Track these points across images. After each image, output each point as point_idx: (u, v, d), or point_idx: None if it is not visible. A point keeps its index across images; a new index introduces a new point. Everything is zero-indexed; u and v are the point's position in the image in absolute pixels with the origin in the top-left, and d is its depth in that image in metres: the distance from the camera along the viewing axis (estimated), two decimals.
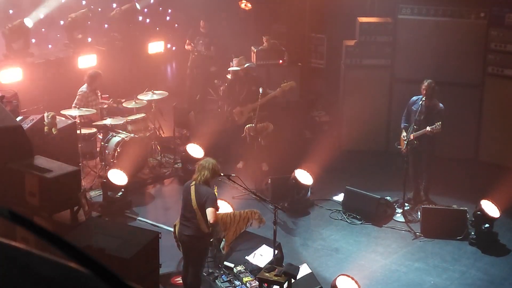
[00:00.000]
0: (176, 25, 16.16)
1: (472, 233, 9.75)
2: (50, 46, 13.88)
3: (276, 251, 8.31)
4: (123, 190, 10.41)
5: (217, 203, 7.68)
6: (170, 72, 16.26)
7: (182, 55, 14.99)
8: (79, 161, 10.92)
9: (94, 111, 11.39)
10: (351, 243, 9.79)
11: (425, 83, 10.25)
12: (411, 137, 10.22)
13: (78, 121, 10.97)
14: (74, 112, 11.09)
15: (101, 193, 10.56)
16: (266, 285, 7.82)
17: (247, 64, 12.33)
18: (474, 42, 12.14)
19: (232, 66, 12.65)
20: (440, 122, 10.00)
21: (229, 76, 14.02)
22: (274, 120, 12.00)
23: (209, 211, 7.49)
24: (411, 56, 12.38)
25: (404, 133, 10.37)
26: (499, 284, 8.91)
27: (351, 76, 12.88)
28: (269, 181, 10.88)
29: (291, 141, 12.67)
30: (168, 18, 16.29)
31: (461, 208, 10.06)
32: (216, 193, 7.93)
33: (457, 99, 11.89)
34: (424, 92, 10.22)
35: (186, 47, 14.60)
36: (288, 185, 10.57)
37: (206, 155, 10.51)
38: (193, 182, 7.75)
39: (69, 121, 11.05)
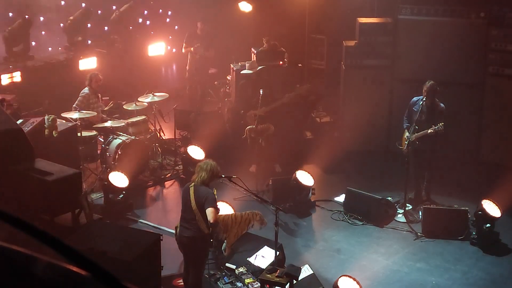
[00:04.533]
0: (176, 27, 16.17)
1: (474, 233, 9.74)
2: (50, 49, 13.89)
3: (277, 252, 8.31)
4: (124, 192, 10.41)
5: (216, 203, 7.67)
6: (171, 74, 16.26)
7: (182, 57, 14.99)
8: (80, 164, 10.93)
9: (94, 113, 11.40)
10: (353, 244, 9.78)
11: (427, 84, 10.25)
12: (413, 138, 10.22)
13: (79, 124, 10.98)
14: (74, 114, 11.09)
15: (102, 195, 10.55)
16: (268, 286, 7.82)
17: (259, 67, 12.26)
18: (474, 42, 12.13)
19: (245, 69, 12.57)
20: (442, 123, 9.99)
21: (229, 78, 14.04)
22: (275, 121, 12.00)
23: (209, 211, 7.49)
24: (411, 57, 12.38)
25: (406, 134, 10.37)
26: (501, 283, 8.90)
27: (351, 77, 12.87)
28: (270, 183, 10.88)
29: (292, 142, 12.66)
30: (168, 20, 16.30)
31: (462, 208, 10.06)
32: (215, 194, 7.89)
33: (457, 99, 11.88)
34: (426, 93, 10.22)
35: (183, 50, 14.62)
36: (289, 186, 10.57)
37: (207, 157, 10.52)
38: (192, 184, 7.75)
39: (70, 124, 11.06)
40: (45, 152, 9.27)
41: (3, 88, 11.68)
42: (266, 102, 11.80)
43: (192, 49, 14.33)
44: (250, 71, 12.18)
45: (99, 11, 14.80)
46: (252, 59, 12.76)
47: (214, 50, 14.53)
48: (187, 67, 14.70)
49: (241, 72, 12.73)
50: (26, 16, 12.96)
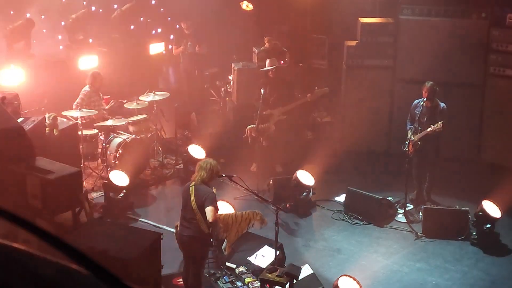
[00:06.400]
0: (177, 26, 16.16)
1: (474, 233, 9.74)
2: (51, 47, 13.89)
3: (278, 252, 8.31)
4: (124, 191, 10.41)
5: (216, 202, 7.66)
6: (172, 73, 16.26)
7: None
8: (81, 163, 10.94)
9: (95, 112, 11.41)
10: (353, 243, 9.78)
11: (427, 85, 10.25)
12: (415, 139, 10.22)
13: (80, 122, 10.99)
14: (75, 113, 11.10)
15: (103, 194, 10.55)
16: (268, 285, 7.82)
17: (273, 66, 12.09)
18: (475, 42, 12.12)
19: (265, 67, 12.43)
20: (441, 122, 9.99)
21: (230, 77, 14.03)
22: (276, 121, 11.99)
23: (208, 209, 7.49)
24: (412, 57, 12.37)
25: (409, 135, 10.36)
26: (501, 284, 8.90)
27: (352, 77, 12.87)
28: (271, 182, 10.88)
29: (293, 142, 12.66)
30: (169, 18, 16.30)
31: (463, 208, 10.06)
32: (215, 193, 7.89)
33: (458, 99, 11.88)
34: (426, 94, 10.22)
35: (174, 52, 14.59)
36: (290, 186, 10.57)
37: (207, 156, 10.52)
38: (192, 183, 7.75)
39: (71, 122, 11.07)
40: (46, 150, 9.28)
41: (4, 86, 11.68)
42: (283, 102, 11.78)
43: (181, 48, 14.30)
44: (269, 68, 12.02)
45: (100, 10, 14.81)
46: (256, 58, 12.70)
47: (206, 46, 14.47)
48: (181, 68, 14.68)
49: (261, 69, 12.60)
50: (28, 15, 12.97)
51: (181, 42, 14.35)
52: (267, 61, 12.20)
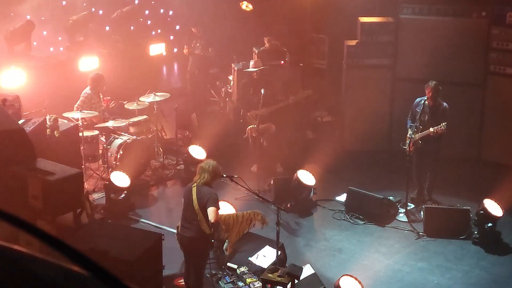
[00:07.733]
0: (177, 27, 16.16)
1: (475, 232, 9.74)
2: (51, 48, 13.89)
3: (279, 252, 8.31)
4: (125, 192, 10.42)
5: (218, 203, 7.67)
6: (172, 74, 16.27)
7: (183, 57, 15.00)
8: (82, 164, 10.93)
9: (96, 113, 11.41)
10: (354, 243, 9.78)
11: (431, 85, 10.24)
12: (416, 138, 10.21)
13: (80, 124, 10.98)
14: (76, 114, 11.10)
15: (104, 195, 10.56)
16: (269, 286, 7.82)
17: (261, 67, 12.16)
18: (475, 41, 12.13)
19: (248, 68, 12.50)
20: (445, 123, 9.98)
21: (230, 78, 14.04)
22: (276, 121, 12.00)
23: (210, 210, 7.49)
24: (412, 56, 12.37)
25: (409, 133, 10.35)
26: (503, 283, 8.90)
27: (353, 76, 12.87)
28: (272, 182, 10.88)
29: (294, 141, 12.66)
30: (169, 19, 16.30)
31: (464, 207, 10.06)
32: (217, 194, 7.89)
33: (459, 98, 11.87)
34: (429, 93, 10.21)
35: (184, 51, 14.65)
36: (291, 185, 10.57)
37: (208, 156, 10.52)
38: (194, 184, 7.75)
39: (71, 124, 11.07)
40: (46, 152, 9.28)
41: (4, 88, 11.67)
42: (267, 103, 11.79)
43: (187, 51, 14.35)
44: (254, 69, 12.10)
45: (101, 11, 14.81)
46: (256, 58, 12.72)
47: (213, 50, 14.53)
48: (188, 68, 14.71)
49: (244, 70, 12.69)
50: (28, 17, 12.96)
51: (191, 43, 14.41)
52: (251, 62, 12.29)
